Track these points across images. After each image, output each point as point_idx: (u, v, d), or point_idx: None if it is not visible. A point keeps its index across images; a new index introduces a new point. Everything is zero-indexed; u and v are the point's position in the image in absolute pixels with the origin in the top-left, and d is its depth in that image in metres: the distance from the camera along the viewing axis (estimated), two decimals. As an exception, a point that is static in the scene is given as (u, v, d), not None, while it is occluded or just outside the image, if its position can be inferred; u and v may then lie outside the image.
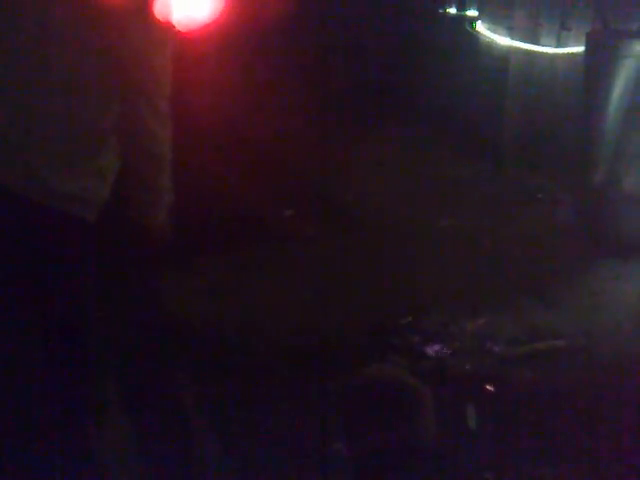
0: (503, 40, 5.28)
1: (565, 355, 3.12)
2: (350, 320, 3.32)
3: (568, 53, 4.96)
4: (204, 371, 2.86)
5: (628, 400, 2.79)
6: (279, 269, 3.79)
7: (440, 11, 6.22)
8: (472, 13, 6.00)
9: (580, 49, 4.67)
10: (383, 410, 2.22)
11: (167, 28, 1.83)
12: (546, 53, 5.04)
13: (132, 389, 2.22)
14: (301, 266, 3.82)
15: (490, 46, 5.34)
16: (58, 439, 2.02)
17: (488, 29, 5.51)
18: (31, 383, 2.04)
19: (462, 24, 5.88)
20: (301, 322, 3.31)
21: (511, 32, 5.18)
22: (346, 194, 4.55)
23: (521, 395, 2.86)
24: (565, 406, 2.78)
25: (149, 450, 2.22)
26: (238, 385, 2.82)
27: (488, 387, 2.89)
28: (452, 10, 6.23)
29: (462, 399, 2.78)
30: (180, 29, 1.83)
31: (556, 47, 5.02)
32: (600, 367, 3.02)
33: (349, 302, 3.46)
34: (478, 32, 5.57)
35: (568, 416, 2.72)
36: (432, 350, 3.10)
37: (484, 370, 3.01)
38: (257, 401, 2.78)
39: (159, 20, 1.77)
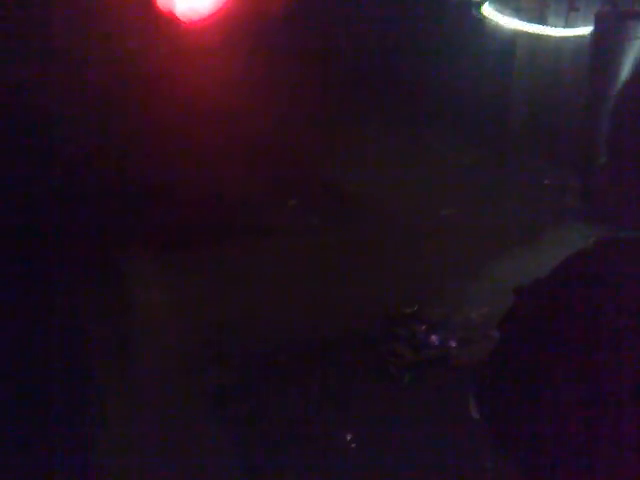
0: (510, 22, 5.20)
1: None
2: (354, 309, 3.31)
3: (576, 34, 4.90)
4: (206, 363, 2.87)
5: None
6: (282, 258, 3.78)
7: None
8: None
9: (588, 30, 4.60)
10: None
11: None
12: (554, 34, 4.97)
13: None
14: (304, 255, 3.80)
15: (497, 29, 5.27)
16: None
17: (495, 10, 5.43)
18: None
19: (469, 7, 5.80)
20: (304, 310, 3.30)
21: (519, 13, 5.10)
22: (348, 184, 4.51)
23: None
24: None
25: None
26: (242, 376, 2.83)
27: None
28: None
29: (466, 388, 2.78)
30: (183, 21, 1.81)
31: (564, 28, 4.96)
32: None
33: (353, 291, 3.44)
34: (484, 15, 5.50)
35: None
36: (436, 339, 3.10)
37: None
38: (261, 395, 2.79)
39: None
